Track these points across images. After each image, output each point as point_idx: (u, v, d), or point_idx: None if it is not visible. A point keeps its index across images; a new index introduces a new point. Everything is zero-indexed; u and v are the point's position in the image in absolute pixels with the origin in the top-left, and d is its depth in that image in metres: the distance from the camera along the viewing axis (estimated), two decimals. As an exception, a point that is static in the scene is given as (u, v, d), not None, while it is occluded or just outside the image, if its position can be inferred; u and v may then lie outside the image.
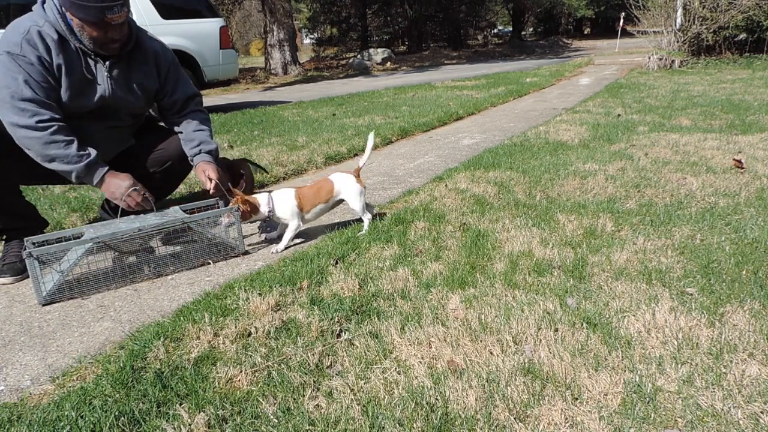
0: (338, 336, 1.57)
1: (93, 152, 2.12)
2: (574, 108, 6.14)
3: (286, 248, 2.33)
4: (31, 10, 2.07)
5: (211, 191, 2.31)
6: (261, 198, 2.29)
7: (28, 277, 2.05)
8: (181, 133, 2.44)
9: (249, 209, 2.26)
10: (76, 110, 2.15)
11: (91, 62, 2.13)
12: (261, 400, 1.30)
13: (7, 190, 2.16)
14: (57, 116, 2.06)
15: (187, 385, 1.36)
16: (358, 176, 2.43)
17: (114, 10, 1.96)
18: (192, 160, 2.39)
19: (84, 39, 2.05)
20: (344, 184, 2.41)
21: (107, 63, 2.16)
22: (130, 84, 2.26)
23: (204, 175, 2.32)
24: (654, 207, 2.58)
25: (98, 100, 2.19)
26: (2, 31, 2.09)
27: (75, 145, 2.07)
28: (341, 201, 2.45)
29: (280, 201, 2.31)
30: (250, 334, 1.59)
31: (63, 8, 1.99)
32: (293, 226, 2.34)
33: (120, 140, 2.42)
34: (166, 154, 2.46)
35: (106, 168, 2.15)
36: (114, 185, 2.14)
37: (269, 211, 2.29)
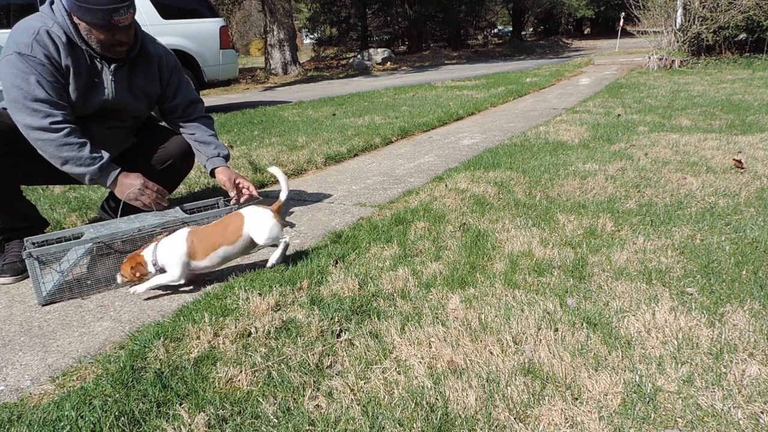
0: (338, 336, 1.57)
1: (105, 154, 2.14)
2: (574, 108, 6.14)
3: (145, 291, 1.91)
4: (35, 10, 2.07)
5: (241, 200, 2.35)
6: (147, 251, 1.89)
7: (28, 277, 2.05)
8: (193, 134, 2.47)
9: (139, 272, 1.87)
10: (80, 112, 2.16)
11: (98, 65, 2.14)
12: (261, 400, 1.30)
13: (9, 190, 2.16)
14: (69, 117, 2.07)
15: (187, 385, 1.36)
16: (277, 212, 2.01)
17: (120, 12, 1.97)
18: (208, 163, 2.43)
19: (92, 42, 2.06)
20: (257, 222, 1.96)
21: (112, 66, 2.17)
22: (132, 88, 2.27)
23: (231, 182, 2.36)
24: (654, 207, 2.58)
25: (101, 103, 2.20)
26: (4, 30, 2.09)
27: (88, 147, 2.08)
28: (255, 244, 2.00)
29: (167, 247, 1.88)
30: (250, 334, 1.59)
31: (71, 12, 1.99)
32: (169, 276, 1.88)
33: (121, 140, 2.42)
34: (168, 153, 2.47)
35: (119, 169, 2.17)
36: (126, 186, 2.16)
37: (154, 264, 1.87)
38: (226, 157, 2.46)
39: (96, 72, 2.15)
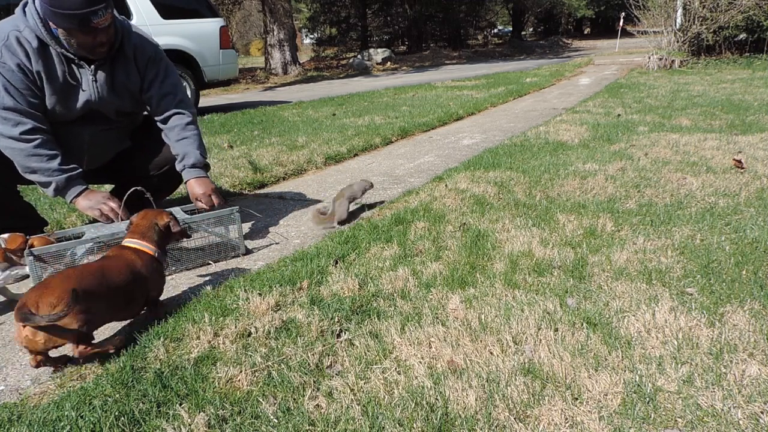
0: (338, 336, 1.57)
1: (78, 168, 2.12)
2: (574, 108, 6.14)
3: None
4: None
5: (197, 208, 2.26)
6: None
7: (28, 277, 2.05)
8: (168, 139, 2.35)
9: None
10: (63, 116, 2.13)
11: (75, 68, 2.09)
12: (261, 400, 1.30)
13: (7, 190, 2.16)
14: (42, 126, 2.05)
15: (187, 385, 1.36)
16: None
17: (99, 14, 1.92)
18: (183, 175, 2.33)
19: (72, 46, 2.01)
20: None
21: (92, 67, 2.12)
22: (114, 86, 2.21)
23: (205, 197, 2.27)
24: (654, 207, 2.58)
25: (84, 105, 2.16)
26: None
27: (58, 159, 2.07)
28: None
29: None
30: (250, 334, 1.59)
31: (45, 18, 1.94)
32: None
33: (115, 141, 2.39)
34: (164, 158, 2.44)
35: (86, 186, 2.15)
36: (89, 197, 2.13)
37: None
38: (195, 165, 2.30)
39: (74, 74, 2.09)
